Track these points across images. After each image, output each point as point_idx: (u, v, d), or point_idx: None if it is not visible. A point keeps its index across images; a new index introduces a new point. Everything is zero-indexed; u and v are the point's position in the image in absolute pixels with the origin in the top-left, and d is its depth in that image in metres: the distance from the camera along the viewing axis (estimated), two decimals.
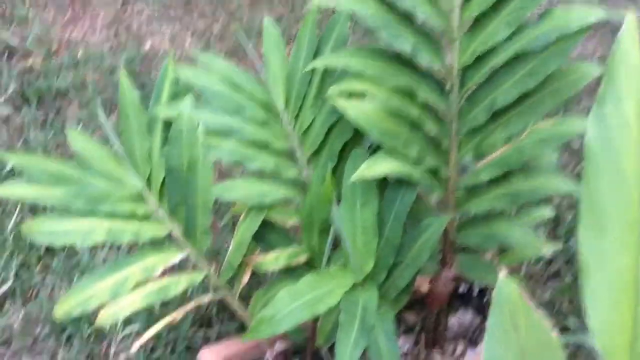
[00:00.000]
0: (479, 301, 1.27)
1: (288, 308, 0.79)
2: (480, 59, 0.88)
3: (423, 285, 1.07)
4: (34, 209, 1.44)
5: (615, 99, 0.60)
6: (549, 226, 1.51)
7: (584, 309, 0.60)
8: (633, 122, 0.59)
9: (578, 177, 1.40)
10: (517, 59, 0.86)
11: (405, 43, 0.85)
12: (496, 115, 0.90)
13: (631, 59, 0.60)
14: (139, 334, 1.19)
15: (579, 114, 1.82)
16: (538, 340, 0.69)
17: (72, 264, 1.33)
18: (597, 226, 0.59)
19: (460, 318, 1.24)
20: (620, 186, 0.59)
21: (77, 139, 0.96)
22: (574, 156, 1.68)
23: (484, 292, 1.28)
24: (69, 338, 1.22)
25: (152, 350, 1.19)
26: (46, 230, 0.87)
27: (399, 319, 1.22)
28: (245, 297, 1.21)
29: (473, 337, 1.22)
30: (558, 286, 1.40)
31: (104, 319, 0.86)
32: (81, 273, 1.30)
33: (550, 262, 1.44)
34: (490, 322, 0.67)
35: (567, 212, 1.55)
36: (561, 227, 1.51)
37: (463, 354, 1.18)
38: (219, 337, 1.21)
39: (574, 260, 1.45)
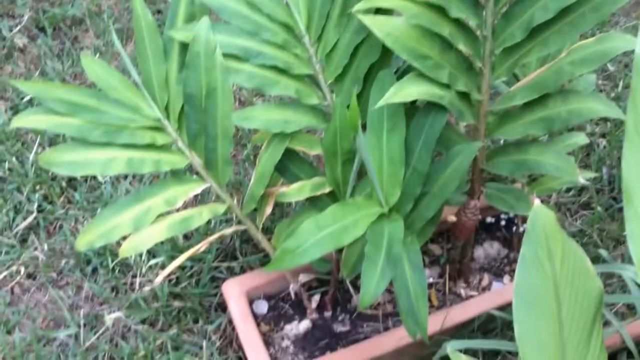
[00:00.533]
0: (506, 232, 1.24)
1: (313, 238, 0.76)
2: None
3: (449, 215, 1.04)
4: (54, 142, 1.43)
5: None
6: (581, 154, 1.46)
7: (627, 233, 0.56)
8: None
9: (615, 101, 1.33)
10: None
11: None
12: (534, 32, 0.84)
13: None
14: (163, 266, 1.20)
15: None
16: (574, 269, 0.66)
17: (95, 196, 1.33)
18: None
19: (487, 250, 1.22)
20: None
21: (93, 67, 0.92)
22: (610, 80, 1.60)
23: (511, 223, 1.25)
24: (94, 270, 1.23)
25: (177, 282, 1.19)
26: (65, 161, 0.85)
27: (424, 250, 1.20)
28: (268, 229, 1.20)
29: (499, 270, 1.20)
30: (588, 216, 1.36)
31: (127, 250, 0.85)
32: (104, 205, 1.30)
33: (580, 192, 1.40)
34: (523, 251, 0.64)
35: (600, 140, 1.49)
36: (593, 156, 1.45)
37: (489, 286, 1.17)
38: (243, 269, 1.21)
39: (604, 190, 1.40)
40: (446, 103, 0.86)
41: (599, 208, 1.35)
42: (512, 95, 0.90)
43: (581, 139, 1.12)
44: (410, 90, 0.83)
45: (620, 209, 1.36)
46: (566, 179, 1.04)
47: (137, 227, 0.86)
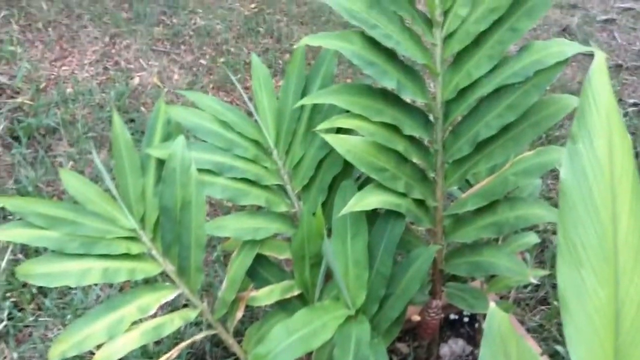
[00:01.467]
0: (469, 328, 1.29)
1: (283, 344, 0.80)
2: (462, 93, 0.92)
3: (414, 315, 1.08)
4: (25, 248, 1.44)
5: (587, 136, 0.62)
6: (535, 251, 1.54)
7: (566, 341, 0.61)
8: (604, 161, 0.61)
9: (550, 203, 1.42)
10: (498, 92, 0.90)
11: (390, 80, 0.88)
12: (480, 146, 0.93)
13: (601, 97, 0.63)
14: None
15: (561, 140, 1.86)
16: None
17: (65, 302, 1.33)
18: (573, 261, 0.61)
19: (452, 346, 1.26)
20: (594, 222, 0.61)
21: (71, 181, 0.97)
22: (557, 180, 1.72)
23: (474, 319, 1.30)
24: None
25: None
26: (41, 273, 0.88)
27: (392, 349, 1.23)
28: (239, 332, 1.22)
29: None
30: (546, 311, 1.41)
31: (102, 359, 0.86)
32: (74, 312, 1.30)
33: (537, 287, 1.47)
34: (482, 352, 0.69)
35: (553, 236, 1.58)
36: (547, 252, 1.53)
37: None
38: None
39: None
40: (403, 210, 0.93)
41: (555, 303, 1.41)
42: (464, 202, 0.98)
43: (532, 238, 1.20)
44: (370, 200, 0.90)
45: None
46: (519, 280, 1.10)
47: (111, 336, 0.88)
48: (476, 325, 1.28)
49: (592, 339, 0.61)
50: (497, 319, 0.70)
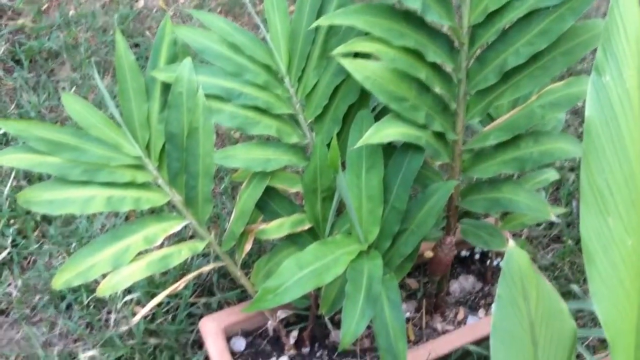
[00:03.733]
0: (480, 266, 1.26)
1: (294, 278, 0.77)
2: (491, 17, 0.85)
3: (426, 251, 1.05)
4: (29, 175, 1.41)
5: (614, 67, 0.55)
6: (551, 189, 1.50)
7: (590, 292, 0.57)
8: (635, 95, 0.55)
9: (582, 138, 1.37)
10: (530, 16, 0.83)
11: (415, 0, 0.81)
12: (506, 76, 0.87)
13: (631, 21, 0.56)
14: (139, 301, 1.19)
15: (585, 73, 1.78)
16: (549, 309, 0.68)
17: (70, 230, 1.31)
18: (599, 208, 0.56)
19: (462, 283, 1.24)
20: (622, 164, 0.55)
21: (73, 105, 0.92)
22: (577, 115, 1.65)
23: (485, 256, 1.27)
24: (68, 307, 1.21)
25: (153, 318, 1.18)
26: (43, 200, 0.85)
27: (401, 284, 1.21)
28: (246, 264, 1.20)
29: (474, 303, 1.21)
30: (559, 250, 1.39)
31: (105, 289, 0.84)
32: (79, 240, 1.28)
33: (551, 225, 1.43)
34: (499, 292, 0.65)
35: (569, 174, 1.53)
36: (562, 190, 1.49)
37: (464, 319, 1.18)
38: (221, 305, 1.20)
39: (575, 223, 1.44)
40: (423, 143, 0.88)
41: (569, 241, 1.38)
42: (485, 136, 0.93)
43: (552, 175, 1.16)
44: (388, 132, 0.85)
45: None
46: (539, 217, 1.07)
47: (116, 266, 0.86)
48: (487, 262, 1.26)
49: (618, 292, 0.57)
50: (516, 258, 0.67)
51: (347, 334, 0.76)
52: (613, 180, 0.54)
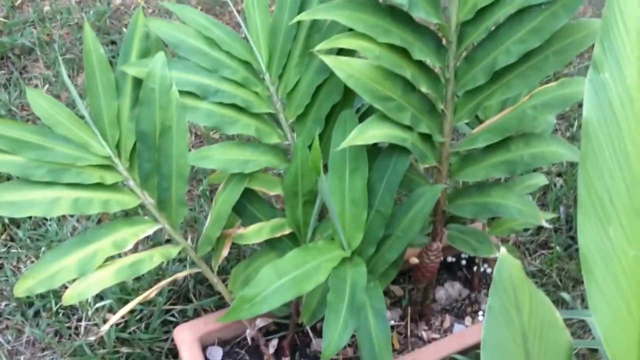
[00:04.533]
0: (467, 272, 1.23)
1: (272, 286, 0.72)
2: (481, 14, 0.81)
3: (411, 257, 1.01)
4: None
5: (614, 63, 0.51)
6: (538, 194, 1.47)
7: (589, 307, 0.53)
8: (636, 94, 0.51)
9: (570, 141, 1.34)
10: (522, 13, 0.79)
11: None
12: (496, 76, 0.84)
13: (631, 14, 0.52)
14: (111, 309, 1.13)
15: (578, 74, 1.76)
16: (542, 320, 0.64)
17: (39, 234, 1.25)
18: (598, 216, 0.51)
19: (448, 290, 1.20)
20: (623, 168, 0.51)
21: (38, 101, 0.86)
22: (564, 120, 1.63)
23: (472, 262, 1.24)
24: (36, 314, 1.15)
25: (125, 326, 1.12)
26: (5, 201, 0.79)
27: (385, 291, 1.17)
28: (224, 269, 1.15)
29: (460, 311, 1.18)
30: (547, 256, 1.36)
31: (71, 297, 0.79)
32: (49, 244, 1.23)
33: (538, 231, 1.40)
34: (490, 302, 0.61)
35: (556, 179, 1.50)
36: (550, 195, 1.46)
37: (450, 327, 1.14)
38: (197, 313, 1.15)
39: (562, 229, 1.41)
40: (409, 145, 0.84)
41: (557, 248, 1.35)
42: (474, 138, 0.89)
43: (541, 180, 1.12)
44: (372, 133, 0.81)
45: (578, 250, 1.37)
46: (529, 222, 1.03)
47: (83, 273, 0.81)
48: (474, 268, 1.22)
49: (620, 306, 0.53)
50: (507, 266, 0.63)
51: (329, 345, 0.71)
52: (613, 186, 0.50)
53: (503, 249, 0.64)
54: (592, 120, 0.52)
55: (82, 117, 0.86)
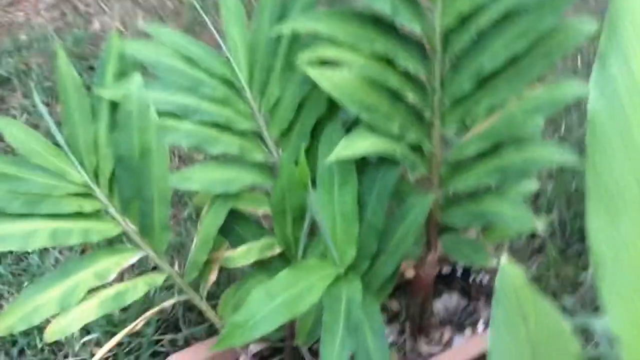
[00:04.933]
0: (464, 283, 1.20)
1: (264, 310, 0.69)
2: (465, 20, 0.79)
3: (406, 270, 0.99)
4: None
5: (620, 56, 0.50)
6: (530, 198, 1.45)
7: (603, 309, 0.51)
8: None
9: (560, 143, 1.32)
10: (507, 18, 0.77)
11: (383, 2, 0.75)
12: (483, 82, 0.82)
13: (637, 5, 0.51)
14: (98, 342, 1.09)
15: (566, 76, 1.75)
16: (549, 330, 0.61)
17: (22, 268, 1.21)
18: (609, 211, 0.50)
19: (446, 302, 1.17)
20: (634, 162, 0.50)
21: (11, 130, 0.83)
22: (552, 123, 1.62)
23: (468, 272, 1.21)
24: (20, 352, 1.11)
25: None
26: None
27: (381, 307, 1.14)
28: (214, 294, 1.11)
29: (459, 322, 1.15)
30: (543, 261, 1.34)
31: (53, 333, 0.75)
32: (31, 278, 1.18)
33: (532, 236, 1.38)
34: (494, 315, 0.59)
35: (547, 182, 1.49)
36: (542, 199, 1.45)
37: (450, 340, 1.11)
38: (188, 342, 1.11)
39: (556, 233, 1.39)
40: (398, 156, 0.82)
41: (553, 252, 1.33)
42: (464, 146, 0.87)
43: (532, 185, 1.10)
44: (360, 144, 0.79)
45: (575, 253, 1.35)
46: (525, 228, 1.01)
47: (64, 307, 0.77)
48: (471, 278, 1.19)
49: (636, 305, 0.51)
50: (509, 275, 0.60)
51: None
52: (623, 180, 0.48)
53: (504, 258, 0.61)
54: (599, 115, 0.50)
55: (59, 146, 0.82)
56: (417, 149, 0.86)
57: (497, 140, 0.85)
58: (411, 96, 0.82)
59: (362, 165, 0.84)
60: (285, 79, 0.87)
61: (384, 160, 0.83)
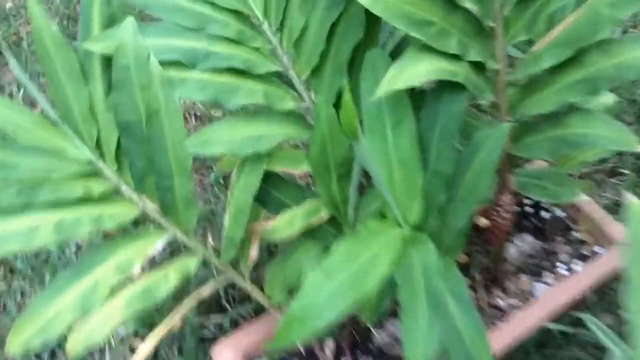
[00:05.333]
0: (535, 220, 1.05)
1: (324, 294, 0.55)
2: None
3: (477, 217, 0.84)
4: None
5: None
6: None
7: None
8: None
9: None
10: None
11: None
12: None
13: None
14: (137, 334, 0.98)
15: None
16: None
17: (41, 261, 1.10)
18: None
19: (519, 246, 1.02)
20: None
21: None
22: (634, 104, 1.41)
23: (538, 208, 1.06)
24: (52, 355, 1.00)
25: (155, 353, 0.97)
26: None
27: None
28: (255, 267, 0.98)
29: (536, 267, 1.00)
30: (619, 184, 1.18)
31: (76, 346, 0.63)
32: (52, 271, 1.07)
33: (603, 160, 1.22)
34: (628, 270, 0.47)
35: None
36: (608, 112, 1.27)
37: (530, 289, 0.97)
38: (236, 322, 0.99)
39: (627, 152, 1.22)
40: (461, 79, 0.66)
41: (627, 171, 1.17)
42: (537, 57, 0.71)
43: (609, 98, 0.94)
44: (413, 71, 0.63)
45: None
46: (619, 149, 0.84)
47: (86, 310, 0.64)
48: (542, 214, 1.04)
49: None
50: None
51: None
52: None
53: (629, 195, 0.49)
54: None
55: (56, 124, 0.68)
56: (480, 68, 0.70)
57: (580, 45, 0.68)
58: (469, 1, 0.66)
59: (418, 97, 0.68)
60: (308, 3, 0.70)
61: (444, 88, 0.67)
